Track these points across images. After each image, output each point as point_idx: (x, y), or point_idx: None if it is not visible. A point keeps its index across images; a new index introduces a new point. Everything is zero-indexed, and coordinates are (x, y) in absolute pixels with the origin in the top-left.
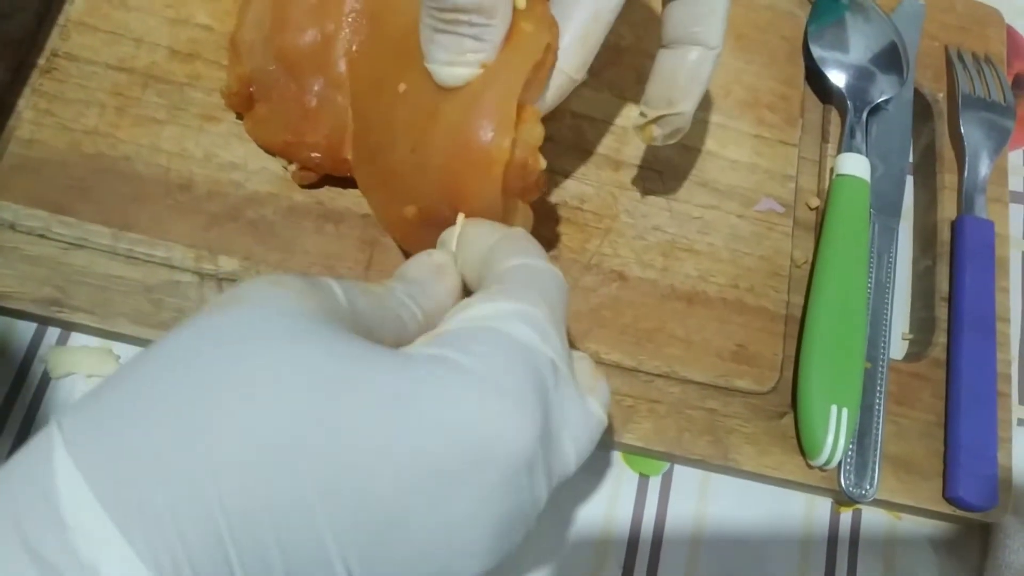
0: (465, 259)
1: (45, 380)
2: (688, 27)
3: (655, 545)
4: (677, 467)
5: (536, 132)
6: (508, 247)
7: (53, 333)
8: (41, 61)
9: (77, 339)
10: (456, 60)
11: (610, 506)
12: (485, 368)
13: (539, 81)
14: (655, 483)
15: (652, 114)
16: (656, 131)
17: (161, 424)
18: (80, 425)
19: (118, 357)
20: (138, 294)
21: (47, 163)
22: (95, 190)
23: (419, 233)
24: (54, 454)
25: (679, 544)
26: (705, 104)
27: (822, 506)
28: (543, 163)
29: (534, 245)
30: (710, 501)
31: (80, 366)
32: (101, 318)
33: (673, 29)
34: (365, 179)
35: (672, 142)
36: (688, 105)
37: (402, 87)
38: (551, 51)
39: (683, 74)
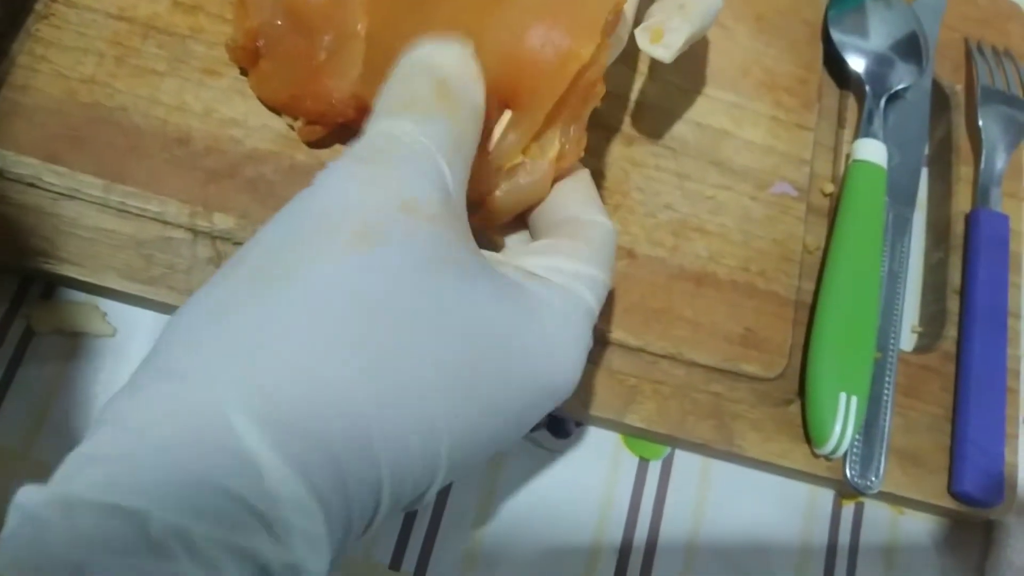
0: None
1: (28, 336)
2: None
3: (652, 530)
4: (678, 452)
5: (605, 59)
6: (585, 194)
7: (36, 290)
8: (38, 6)
9: (62, 294)
10: None
11: (608, 489)
12: (570, 336)
13: (613, 29)
14: (655, 468)
15: (661, 16)
16: (667, 37)
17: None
18: (247, 382)
19: (104, 314)
20: (129, 248)
21: (40, 110)
22: (89, 140)
23: None
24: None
25: (677, 530)
26: (722, 83)
27: (824, 498)
28: (602, 90)
29: (598, 196)
30: (710, 488)
31: (65, 322)
32: (90, 271)
33: None
34: None
35: (671, 55)
36: (699, 10)
37: None
38: (621, 13)
39: None
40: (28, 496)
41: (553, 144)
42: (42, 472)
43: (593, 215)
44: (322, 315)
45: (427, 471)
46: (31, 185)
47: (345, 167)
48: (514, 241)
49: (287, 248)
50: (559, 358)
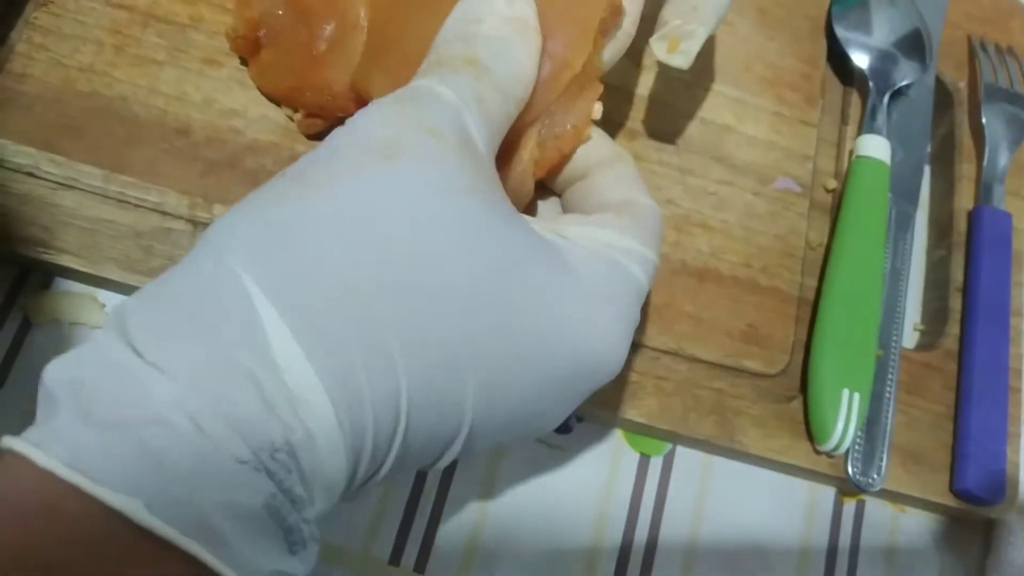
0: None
1: (25, 326)
2: None
3: (653, 526)
4: (679, 449)
5: (599, 63)
6: (631, 177)
7: (34, 281)
8: None
9: (60, 285)
10: None
11: (609, 485)
12: (615, 310)
13: (611, 27)
14: (656, 464)
15: (675, 21)
16: (684, 44)
17: (348, 278)
18: (273, 268)
19: (103, 305)
20: (128, 239)
21: (39, 99)
22: (88, 129)
23: None
24: (251, 291)
25: (678, 526)
26: (725, 78)
27: (825, 496)
28: (599, 112)
29: (642, 180)
30: (712, 485)
31: (63, 312)
32: (89, 261)
33: None
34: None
35: (688, 62)
36: (711, 11)
37: None
38: (620, 9)
39: None
40: (51, 374)
41: (528, 144)
42: None
43: (641, 197)
44: (348, 222)
45: (451, 411)
46: (30, 175)
47: (374, 107)
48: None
49: (322, 163)
50: (601, 329)
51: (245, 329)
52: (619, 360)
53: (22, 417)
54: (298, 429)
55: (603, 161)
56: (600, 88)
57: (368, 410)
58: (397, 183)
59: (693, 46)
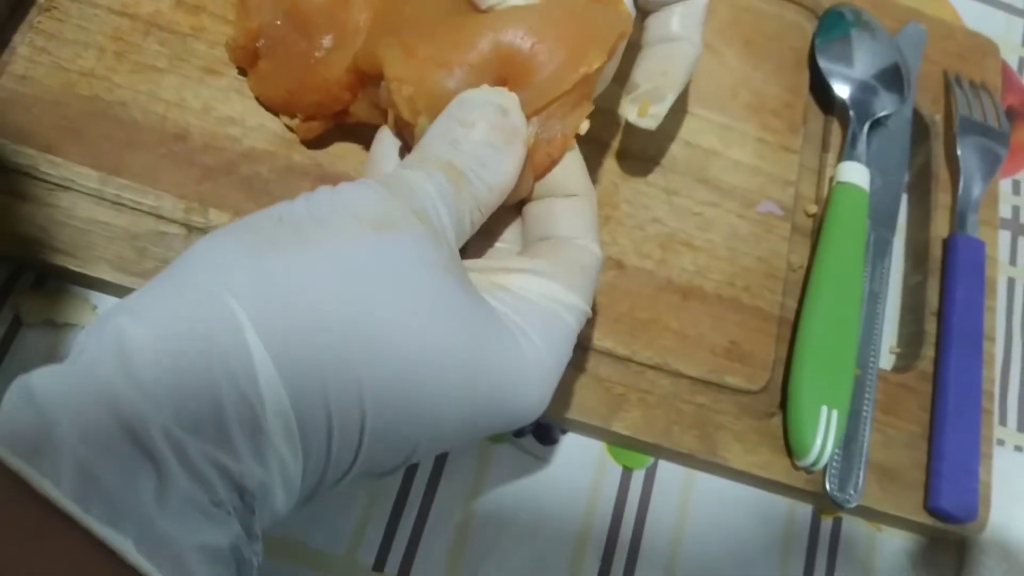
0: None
1: (16, 325)
2: (670, 29)
3: (635, 539)
4: (661, 463)
5: (598, 77)
6: (585, 217)
7: (27, 280)
8: None
9: (52, 285)
10: None
11: (592, 497)
12: (550, 361)
13: (612, 56)
14: (638, 477)
15: (646, 85)
16: (653, 108)
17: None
18: (269, 315)
19: (95, 306)
20: (122, 241)
21: (39, 101)
22: (87, 132)
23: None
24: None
25: (659, 540)
26: (711, 104)
27: (803, 513)
28: (585, 127)
29: (596, 222)
30: (693, 499)
31: (54, 312)
32: (82, 262)
33: (656, 31)
34: (394, 44)
35: (656, 124)
36: (680, 75)
37: None
38: (627, 35)
39: (673, 53)
40: (39, 381)
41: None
42: None
43: (588, 241)
44: (339, 278)
45: (400, 454)
46: (27, 175)
47: (365, 182)
48: (506, 240)
49: (318, 221)
50: (536, 388)
51: (236, 358)
52: (543, 407)
53: None
54: (272, 471)
55: (569, 188)
56: (591, 107)
57: (336, 439)
58: (386, 250)
59: (662, 110)
